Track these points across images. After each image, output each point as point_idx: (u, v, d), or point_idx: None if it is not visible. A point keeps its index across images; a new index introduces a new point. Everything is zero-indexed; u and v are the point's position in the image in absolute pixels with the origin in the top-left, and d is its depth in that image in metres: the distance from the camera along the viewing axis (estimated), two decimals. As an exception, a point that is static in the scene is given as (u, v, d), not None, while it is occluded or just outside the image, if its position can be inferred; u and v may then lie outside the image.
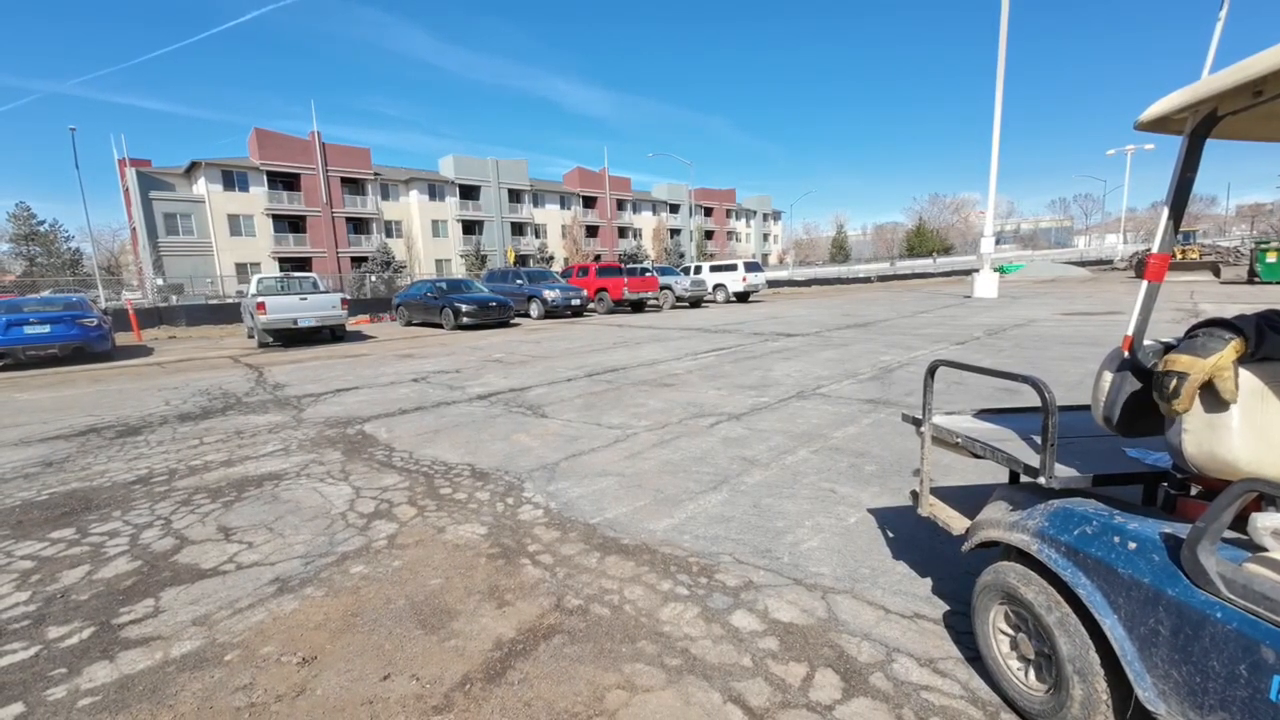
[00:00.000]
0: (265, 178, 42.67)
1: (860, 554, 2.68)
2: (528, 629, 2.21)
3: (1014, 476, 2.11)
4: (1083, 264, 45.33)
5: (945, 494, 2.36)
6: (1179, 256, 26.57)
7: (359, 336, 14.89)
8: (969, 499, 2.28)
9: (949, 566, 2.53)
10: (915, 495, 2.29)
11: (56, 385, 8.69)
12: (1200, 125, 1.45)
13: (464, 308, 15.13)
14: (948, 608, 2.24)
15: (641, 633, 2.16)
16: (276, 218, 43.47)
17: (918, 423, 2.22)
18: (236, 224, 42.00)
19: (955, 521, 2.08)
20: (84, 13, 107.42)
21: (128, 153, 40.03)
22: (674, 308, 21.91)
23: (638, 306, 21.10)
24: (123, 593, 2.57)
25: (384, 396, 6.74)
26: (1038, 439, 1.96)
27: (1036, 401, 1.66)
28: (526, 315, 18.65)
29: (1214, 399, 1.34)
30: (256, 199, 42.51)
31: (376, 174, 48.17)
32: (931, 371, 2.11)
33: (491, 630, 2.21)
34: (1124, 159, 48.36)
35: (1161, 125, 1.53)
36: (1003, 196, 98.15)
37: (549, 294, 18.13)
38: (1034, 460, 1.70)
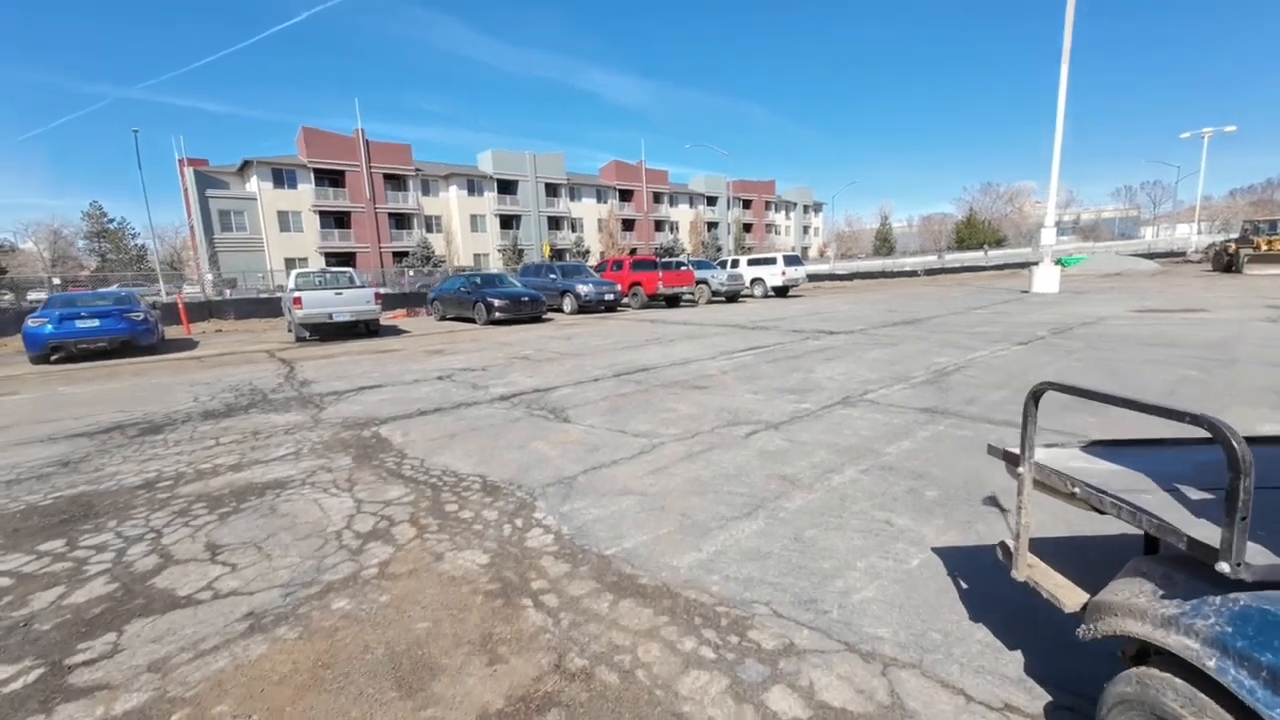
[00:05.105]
0: (312, 174, 44.00)
1: (927, 610, 2.20)
2: (519, 698, 1.83)
3: (1150, 541, 1.60)
4: (1151, 256, 42.21)
5: (1034, 543, 1.86)
6: (1266, 248, 24.21)
7: (394, 331, 14.94)
8: (1071, 554, 1.78)
9: (1045, 633, 2.03)
10: (1006, 549, 1.81)
11: (102, 378, 8.89)
12: None
13: (496, 303, 14.99)
14: (1049, 698, 1.75)
15: (655, 712, 1.76)
16: (323, 214, 44.81)
17: (1014, 459, 1.73)
18: (285, 220, 43.48)
19: (1066, 595, 1.58)
20: (150, 19, 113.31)
21: (186, 152, 41.85)
22: (710, 303, 21.31)
23: (672, 301, 20.63)
24: (87, 624, 2.33)
25: (405, 395, 6.53)
26: (1189, 488, 1.46)
27: (1160, 426, 1.16)
28: (560, 310, 18.43)
29: None
30: (304, 195, 43.90)
31: (417, 170, 49.04)
32: (1036, 396, 1.62)
33: (477, 697, 1.84)
34: (1199, 142, 44.65)
35: None
36: (1061, 185, 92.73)
37: (582, 289, 17.80)
38: (1208, 533, 1.20)
